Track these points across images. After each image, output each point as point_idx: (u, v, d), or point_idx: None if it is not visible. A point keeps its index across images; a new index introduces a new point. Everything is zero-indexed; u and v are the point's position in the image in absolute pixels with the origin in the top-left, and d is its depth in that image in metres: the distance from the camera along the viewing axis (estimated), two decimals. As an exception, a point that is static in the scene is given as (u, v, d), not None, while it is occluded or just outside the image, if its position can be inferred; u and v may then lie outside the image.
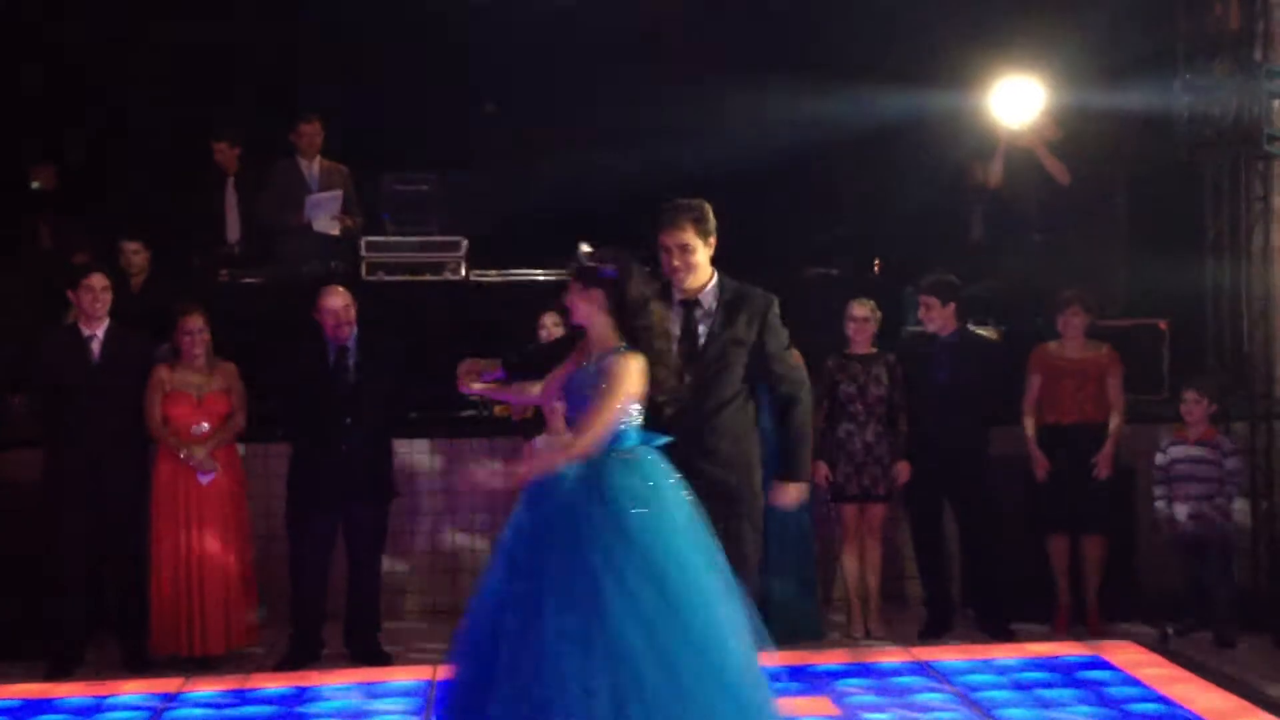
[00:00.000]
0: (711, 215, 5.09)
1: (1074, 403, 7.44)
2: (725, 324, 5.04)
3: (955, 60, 9.20)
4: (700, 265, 5.05)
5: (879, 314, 7.50)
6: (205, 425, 7.00)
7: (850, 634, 7.39)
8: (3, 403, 7.99)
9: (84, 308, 6.94)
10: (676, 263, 5.00)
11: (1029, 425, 7.49)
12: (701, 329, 5.03)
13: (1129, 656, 6.64)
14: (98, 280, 6.97)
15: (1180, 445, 7.24)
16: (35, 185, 9.51)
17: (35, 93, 9.61)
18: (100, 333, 6.98)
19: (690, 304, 5.06)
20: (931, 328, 7.44)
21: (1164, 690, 6.08)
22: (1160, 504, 7.25)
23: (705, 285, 5.07)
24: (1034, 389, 7.50)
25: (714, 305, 5.06)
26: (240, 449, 7.33)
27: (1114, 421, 7.41)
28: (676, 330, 5.00)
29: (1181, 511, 7.13)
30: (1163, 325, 8.54)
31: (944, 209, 9.58)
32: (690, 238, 5.00)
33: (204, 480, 6.96)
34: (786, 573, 7.17)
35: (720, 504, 4.93)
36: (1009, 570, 7.43)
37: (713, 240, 5.07)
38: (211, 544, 6.95)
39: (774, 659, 6.44)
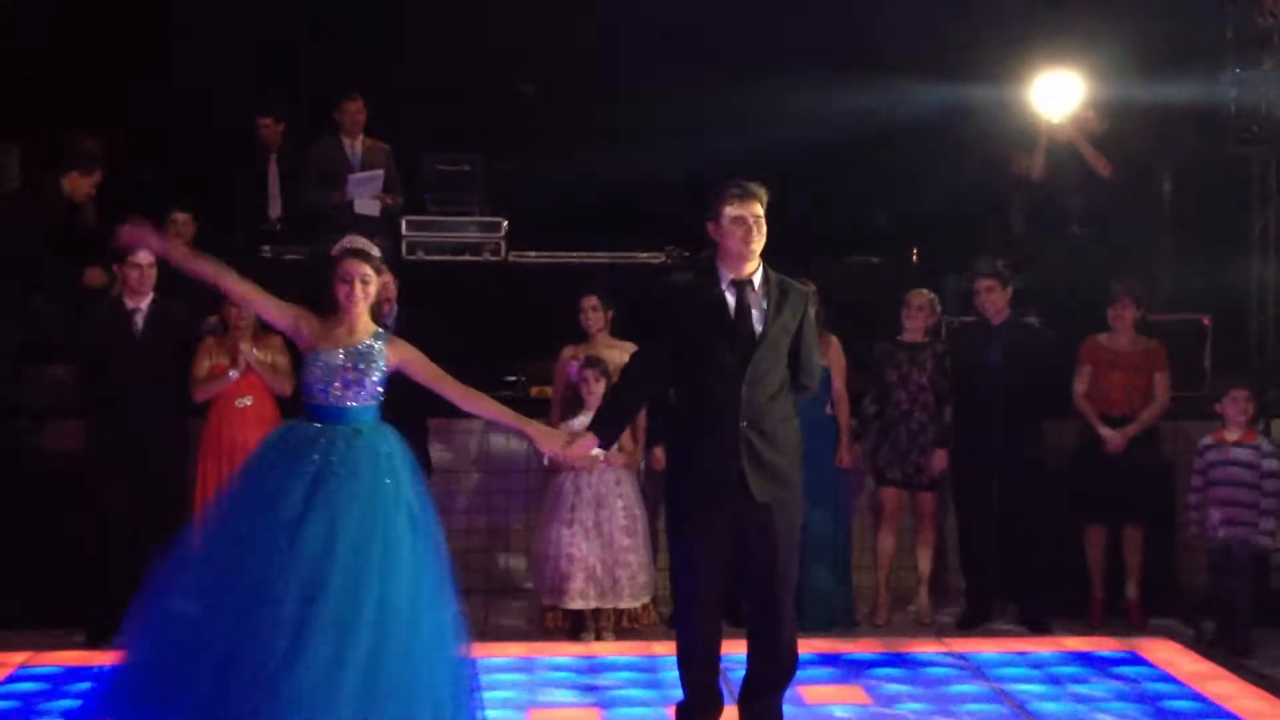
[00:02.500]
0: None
1: (1123, 396, 7.40)
2: (776, 311, 5.06)
3: (996, 53, 9.17)
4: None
5: (938, 305, 7.54)
6: (249, 398, 7.04)
7: (874, 620, 7.39)
8: (45, 373, 8.04)
9: (130, 284, 6.99)
10: (754, 233, 5.01)
11: (1089, 410, 7.43)
12: (755, 313, 5.03)
13: (1165, 653, 6.63)
14: (144, 256, 7.01)
15: (1219, 448, 7.09)
16: (80, 149, 9.52)
17: (81, 70, 9.67)
18: (144, 306, 7.03)
19: (742, 284, 5.06)
20: (989, 312, 7.38)
21: (1199, 688, 6.08)
22: (1194, 508, 7.12)
23: (755, 269, 5.08)
24: (1084, 379, 7.46)
25: (764, 289, 5.07)
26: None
27: (1150, 410, 7.37)
28: (732, 308, 5.02)
29: (1215, 518, 7.02)
30: (1205, 321, 8.49)
31: (985, 201, 9.54)
32: (762, 210, 5.04)
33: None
34: (821, 561, 7.19)
35: (776, 486, 5.01)
36: (1050, 564, 7.40)
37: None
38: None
39: (808, 646, 6.54)
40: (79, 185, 7.97)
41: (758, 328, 5.02)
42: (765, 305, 5.04)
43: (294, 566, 4.51)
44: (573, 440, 5.19)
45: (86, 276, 8.02)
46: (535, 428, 5.22)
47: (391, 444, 4.86)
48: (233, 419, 7.06)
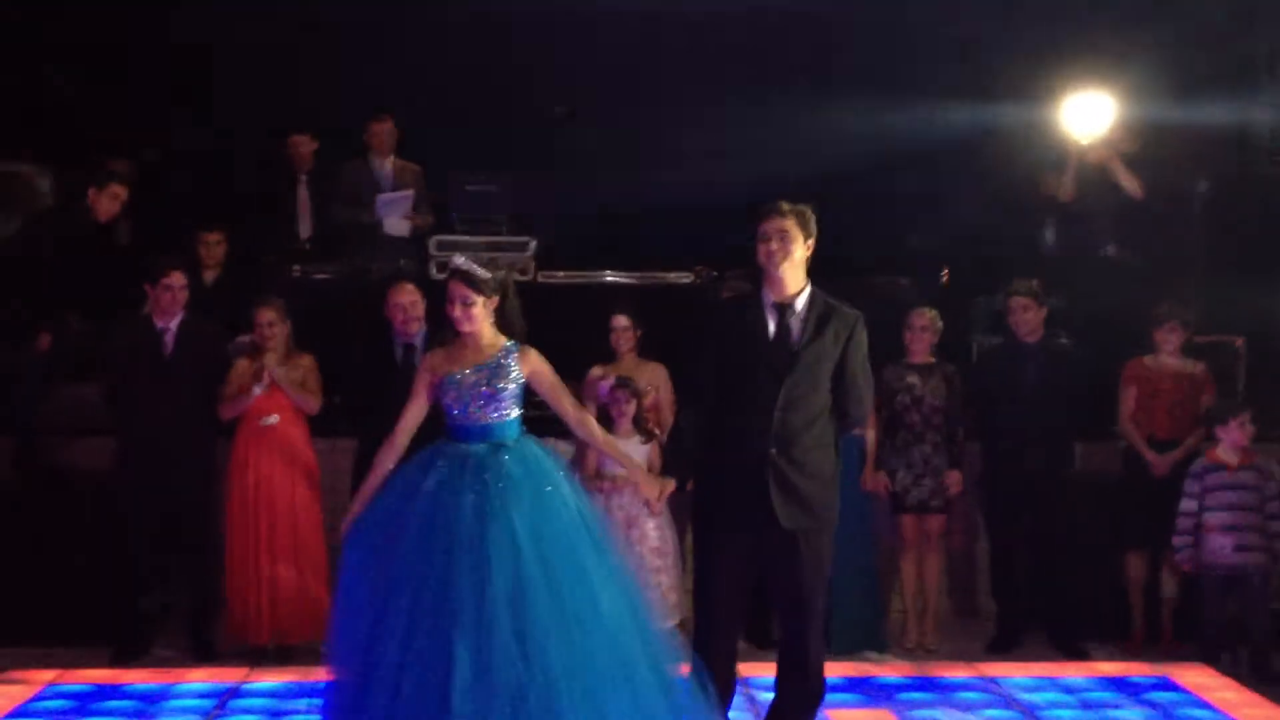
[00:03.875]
0: (813, 219, 5.05)
1: (1168, 419, 7.34)
2: (816, 334, 4.98)
3: (1026, 74, 9.12)
4: (797, 261, 4.99)
5: (939, 324, 7.42)
6: (275, 417, 7.05)
7: (904, 645, 7.32)
8: (76, 391, 8.07)
9: (162, 305, 7.01)
10: (774, 246, 4.94)
11: (1133, 433, 7.36)
12: (795, 335, 4.99)
13: (1199, 679, 6.56)
14: (177, 279, 7.04)
15: (1219, 471, 7.00)
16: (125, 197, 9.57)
17: (115, 93, 9.75)
18: (174, 326, 7.05)
19: (784, 307, 5.02)
20: (1023, 331, 7.33)
21: (1234, 715, 6.00)
22: (1187, 532, 6.97)
23: (800, 292, 5.02)
24: (1129, 401, 7.40)
25: (806, 313, 5.01)
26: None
27: (1197, 433, 7.30)
28: (771, 332, 4.99)
29: (1225, 543, 6.92)
30: (1238, 342, 8.41)
31: (1015, 222, 9.49)
32: (791, 227, 4.97)
33: (256, 391, 7.01)
34: (850, 584, 7.14)
35: (804, 515, 4.95)
36: (1084, 588, 7.32)
37: (811, 243, 5.03)
38: (284, 533, 7.01)
39: (837, 669, 6.49)
40: (104, 203, 8.00)
41: (795, 351, 4.96)
42: (804, 329, 4.98)
43: (485, 587, 4.54)
44: (664, 490, 5.13)
45: None
46: (640, 472, 5.29)
47: (540, 455, 4.89)
48: (258, 437, 7.06)
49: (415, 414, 5.00)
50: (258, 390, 7.03)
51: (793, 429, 4.92)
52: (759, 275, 5.07)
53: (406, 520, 4.71)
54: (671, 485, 5.07)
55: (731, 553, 4.99)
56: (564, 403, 5.06)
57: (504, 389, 4.88)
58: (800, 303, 5.01)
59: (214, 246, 8.48)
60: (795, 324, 4.98)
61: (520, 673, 4.45)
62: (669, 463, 5.19)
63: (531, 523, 4.67)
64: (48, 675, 6.47)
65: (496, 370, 4.90)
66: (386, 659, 4.51)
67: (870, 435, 7.26)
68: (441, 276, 8.61)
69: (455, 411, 4.88)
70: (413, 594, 4.57)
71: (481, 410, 4.87)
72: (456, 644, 4.46)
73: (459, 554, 4.59)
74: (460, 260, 5.01)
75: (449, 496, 4.70)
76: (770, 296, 5.02)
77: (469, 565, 4.57)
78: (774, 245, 4.95)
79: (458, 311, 4.91)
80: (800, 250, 4.99)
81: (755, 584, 5.14)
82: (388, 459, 4.96)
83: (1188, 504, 7.02)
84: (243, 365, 7.11)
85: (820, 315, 5.00)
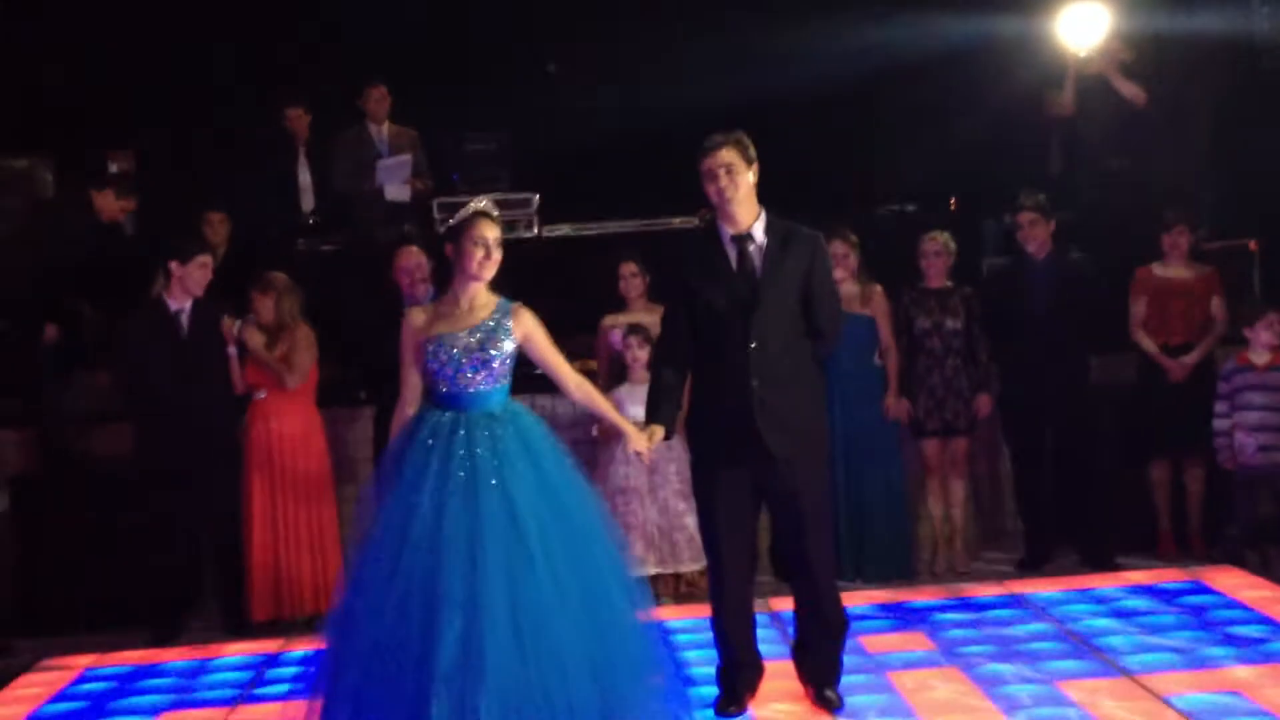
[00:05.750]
0: (751, 144, 5.00)
1: (1182, 324, 7.31)
2: (778, 260, 4.95)
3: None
4: (747, 191, 4.97)
5: (952, 246, 7.38)
6: (263, 391, 7.09)
7: (934, 570, 7.32)
8: (94, 378, 8.10)
9: (189, 283, 7.03)
10: (724, 183, 4.91)
11: (1147, 342, 7.32)
12: (757, 264, 4.96)
13: (1231, 580, 6.54)
14: (206, 259, 7.11)
15: (1248, 372, 6.97)
16: (114, 169, 9.60)
17: (109, 76, 9.73)
18: (188, 307, 7.07)
19: (742, 238, 4.99)
20: (1031, 246, 7.27)
21: (1268, 612, 5.98)
22: (1224, 434, 6.97)
23: (755, 220, 5.00)
24: (1140, 310, 7.36)
25: (765, 240, 4.98)
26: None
27: (1209, 338, 7.27)
28: (734, 264, 4.96)
29: (1249, 443, 6.90)
30: (1252, 246, 8.36)
31: (1019, 142, 9.42)
32: (735, 159, 4.93)
33: (231, 351, 7.04)
34: (879, 511, 7.15)
35: (794, 441, 4.93)
36: (1110, 500, 7.30)
37: (755, 168, 5.00)
38: (301, 506, 7.04)
39: (869, 596, 6.51)
40: (110, 205, 8.01)
41: (760, 280, 4.93)
42: (767, 256, 4.94)
43: (446, 569, 4.33)
44: (652, 437, 4.98)
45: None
46: (628, 426, 5.01)
47: (533, 425, 4.63)
48: (261, 412, 7.12)
49: (416, 381, 4.68)
50: (232, 351, 7.06)
51: (770, 357, 4.91)
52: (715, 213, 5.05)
53: (405, 503, 4.46)
54: (659, 432, 4.96)
55: (729, 489, 4.99)
56: (559, 366, 4.77)
57: (497, 354, 4.61)
58: (758, 232, 4.99)
59: (218, 226, 8.49)
60: (756, 253, 4.96)
61: (513, 658, 4.25)
62: (651, 409, 5.05)
63: (529, 499, 4.45)
64: (85, 660, 6.52)
65: (492, 333, 4.62)
66: (363, 636, 4.34)
67: (892, 363, 7.24)
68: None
69: (444, 377, 4.58)
70: (405, 576, 4.34)
71: (473, 377, 4.58)
72: (444, 628, 4.25)
73: (451, 531, 4.36)
74: (482, 201, 4.71)
75: (439, 474, 4.45)
76: (728, 230, 5.00)
77: (462, 543, 4.35)
78: (723, 181, 4.92)
79: (483, 257, 4.59)
80: (748, 179, 4.97)
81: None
82: (396, 426, 4.71)
83: (1220, 405, 7.01)
84: (226, 325, 7.13)
85: (780, 241, 4.98)
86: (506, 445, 4.53)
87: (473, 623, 4.27)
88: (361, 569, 4.51)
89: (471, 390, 4.59)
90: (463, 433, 4.52)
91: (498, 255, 4.63)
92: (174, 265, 7.04)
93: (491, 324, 4.64)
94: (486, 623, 4.26)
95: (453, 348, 4.59)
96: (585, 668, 4.34)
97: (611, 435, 6.91)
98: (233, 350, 7.08)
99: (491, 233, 4.61)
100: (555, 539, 4.46)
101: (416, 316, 4.71)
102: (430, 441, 4.53)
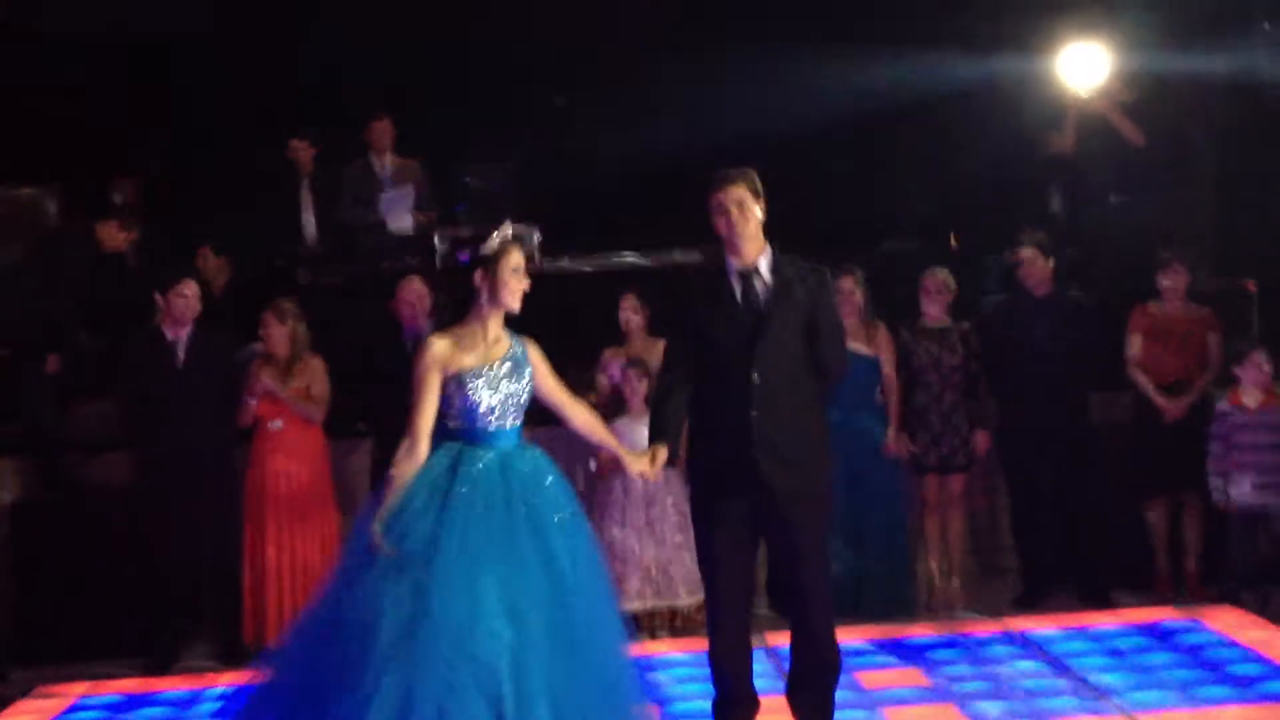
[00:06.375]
0: (759, 181, 5.03)
1: (1178, 362, 7.31)
2: (783, 294, 4.96)
3: (1021, 26, 9.09)
4: (756, 227, 4.99)
5: (952, 284, 7.40)
6: (280, 422, 7.07)
7: (931, 606, 7.31)
8: (92, 408, 8.12)
9: (174, 314, 7.04)
10: (735, 217, 4.93)
11: (1142, 380, 7.33)
12: (762, 298, 4.97)
13: (1229, 620, 6.53)
14: (190, 287, 7.09)
15: (1240, 412, 6.98)
16: (117, 199, 9.64)
17: (111, 106, 9.79)
18: (185, 335, 7.08)
19: (748, 273, 5.01)
20: (1031, 283, 7.29)
21: (1265, 652, 5.97)
22: (1219, 475, 6.98)
23: (761, 255, 5.01)
24: (1137, 348, 7.37)
25: (771, 275, 4.99)
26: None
27: (1205, 376, 7.28)
28: (739, 298, 4.97)
29: (1245, 483, 6.90)
30: (1251, 286, 8.37)
31: (1020, 179, 9.47)
32: (746, 194, 4.95)
33: (252, 403, 6.96)
34: (877, 547, 7.14)
35: (794, 475, 4.92)
36: (1108, 538, 7.30)
37: (763, 204, 5.03)
38: (297, 535, 7.03)
39: (866, 632, 6.50)
40: (113, 236, 8.05)
41: (765, 314, 4.93)
42: (772, 290, 4.96)
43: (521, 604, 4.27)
44: (655, 459, 4.92)
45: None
46: (624, 451, 4.97)
47: (549, 466, 4.56)
48: (268, 442, 7.09)
49: (432, 414, 4.41)
50: (252, 403, 7.02)
51: (772, 390, 4.89)
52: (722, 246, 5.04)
53: (437, 533, 4.30)
54: (663, 452, 4.92)
55: (727, 521, 4.97)
56: (559, 392, 4.69)
57: (525, 389, 4.48)
58: (764, 266, 5.00)
59: (208, 259, 8.52)
60: (761, 287, 4.97)
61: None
62: (655, 432, 5.01)
63: (561, 543, 4.41)
64: (79, 688, 6.51)
65: (518, 366, 4.48)
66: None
67: (893, 399, 7.25)
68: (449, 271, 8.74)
69: (477, 412, 4.39)
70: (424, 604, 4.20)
71: (506, 413, 4.42)
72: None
73: (493, 568, 4.26)
74: (510, 227, 4.54)
75: (481, 509, 4.33)
76: (735, 264, 5.01)
77: (502, 579, 4.25)
78: (734, 215, 4.93)
79: (516, 286, 4.43)
80: (757, 214, 4.98)
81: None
82: (409, 466, 4.41)
83: (1214, 446, 7.02)
84: (258, 368, 7.13)
85: (786, 276, 4.98)
86: (544, 487, 4.47)
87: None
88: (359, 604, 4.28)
89: (507, 427, 4.47)
90: (493, 472, 4.39)
91: (525, 289, 4.54)
92: (157, 295, 7.07)
93: (515, 357, 4.52)
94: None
95: (490, 382, 4.43)
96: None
97: (609, 469, 6.92)
98: (253, 400, 7.01)
99: (523, 261, 4.51)
100: (581, 593, 4.42)
101: (440, 347, 4.44)
102: (465, 474, 4.36)
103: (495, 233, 4.54)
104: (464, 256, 4.53)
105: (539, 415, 4.90)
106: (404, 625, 4.20)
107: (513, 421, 4.50)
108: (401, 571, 4.26)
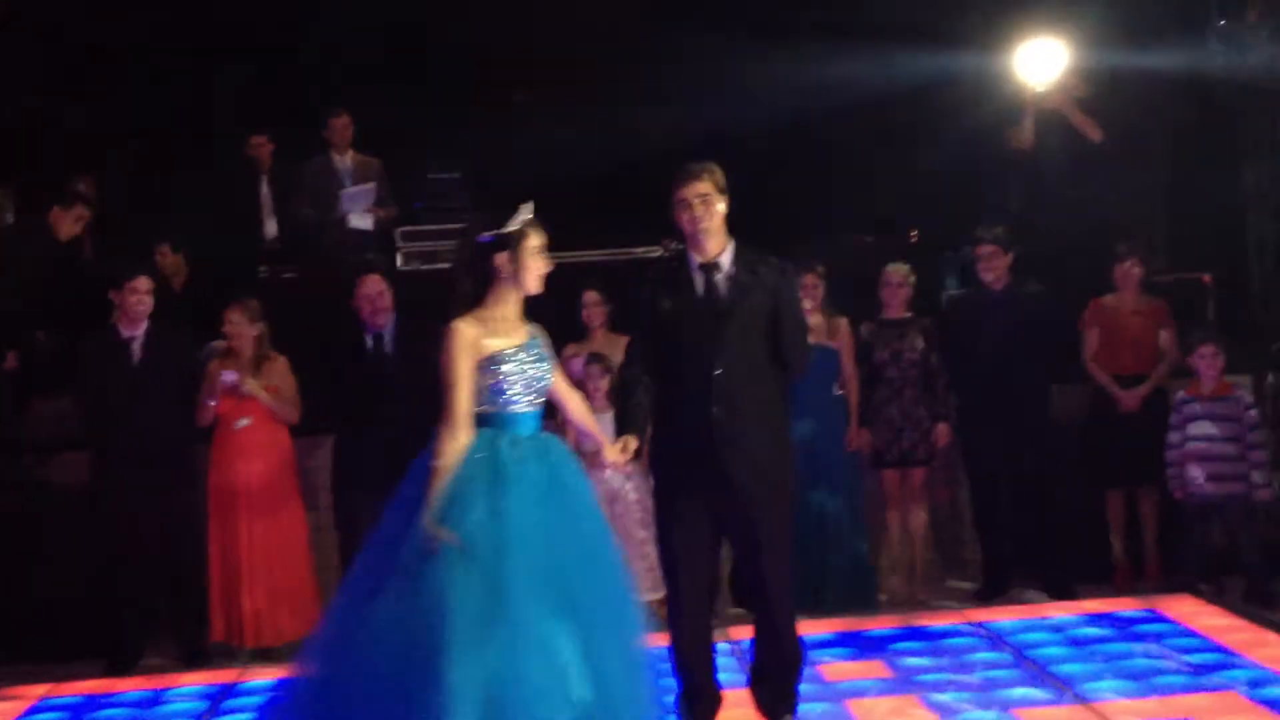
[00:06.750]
0: (722, 175, 5.05)
1: (1133, 355, 7.38)
2: (745, 289, 4.97)
3: (979, 22, 9.15)
4: (719, 221, 5.01)
5: (913, 278, 7.45)
6: (247, 419, 7.02)
7: (893, 599, 7.35)
8: (50, 407, 8.05)
9: (127, 309, 6.99)
10: (698, 212, 4.95)
11: (1099, 372, 7.39)
12: (723, 293, 4.99)
13: (1186, 609, 6.60)
14: (142, 283, 7.03)
15: (1195, 403, 7.07)
16: (76, 189, 9.54)
17: (72, 105, 9.71)
18: (140, 333, 7.03)
19: (710, 267, 5.02)
20: (989, 277, 7.34)
21: (1222, 640, 6.04)
22: (1175, 464, 7.06)
23: (723, 250, 5.04)
24: (1093, 341, 7.43)
25: (733, 270, 5.00)
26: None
27: (1160, 369, 7.35)
28: (700, 292, 4.99)
29: (1199, 474, 6.98)
30: (1206, 279, 8.45)
31: (980, 174, 9.52)
32: (709, 188, 4.97)
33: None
34: (839, 541, 7.17)
35: (756, 472, 4.93)
36: (1068, 529, 7.36)
37: (726, 200, 5.04)
38: (266, 535, 6.99)
39: (829, 625, 6.53)
40: (64, 221, 7.98)
41: (726, 309, 4.95)
42: (734, 285, 4.97)
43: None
44: (625, 448, 4.89)
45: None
46: (605, 439, 4.92)
47: (566, 449, 4.54)
48: (234, 441, 7.03)
49: (470, 399, 4.31)
50: (211, 404, 6.97)
51: (734, 385, 4.91)
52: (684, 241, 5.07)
53: (499, 520, 4.23)
54: (633, 442, 4.89)
55: (689, 516, 4.98)
56: (562, 383, 4.67)
57: (547, 370, 4.43)
58: (725, 260, 5.02)
59: (167, 257, 8.46)
60: (723, 282, 4.98)
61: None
62: (623, 423, 5.00)
63: (598, 527, 4.43)
64: (40, 689, 6.45)
65: (539, 348, 4.43)
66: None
67: (852, 393, 7.28)
68: (410, 268, 8.72)
69: (511, 396, 4.33)
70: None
71: (538, 397, 4.36)
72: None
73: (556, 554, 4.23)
74: (529, 206, 4.44)
75: (533, 493, 4.27)
76: (696, 258, 5.02)
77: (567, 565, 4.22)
78: (698, 210, 4.95)
79: (538, 268, 4.38)
80: (720, 209, 5.00)
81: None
82: (453, 454, 4.29)
83: (1171, 436, 7.09)
84: (215, 368, 7.09)
85: (748, 270, 5.00)
86: (572, 465, 4.43)
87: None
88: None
89: (536, 410, 4.43)
90: (545, 453, 4.35)
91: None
92: (112, 293, 7.01)
93: (535, 340, 4.48)
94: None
95: (520, 364, 4.36)
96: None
97: (587, 463, 6.90)
98: (212, 402, 6.97)
99: (544, 242, 4.45)
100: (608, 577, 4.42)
101: (469, 331, 4.33)
102: (513, 460, 4.30)
103: (516, 214, 4.46)
104: (485, 238, 4.44)
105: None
106: (478, 615, 4.13)
107: (538, 404, 4.45)
108: (467, 561, 4.18)
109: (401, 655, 4.13)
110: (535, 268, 4.41)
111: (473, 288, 4.43)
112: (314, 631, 4.61)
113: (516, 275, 4.40)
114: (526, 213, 4.47)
